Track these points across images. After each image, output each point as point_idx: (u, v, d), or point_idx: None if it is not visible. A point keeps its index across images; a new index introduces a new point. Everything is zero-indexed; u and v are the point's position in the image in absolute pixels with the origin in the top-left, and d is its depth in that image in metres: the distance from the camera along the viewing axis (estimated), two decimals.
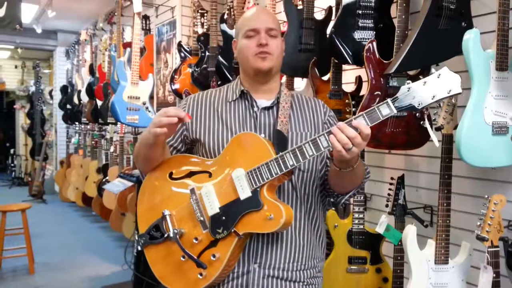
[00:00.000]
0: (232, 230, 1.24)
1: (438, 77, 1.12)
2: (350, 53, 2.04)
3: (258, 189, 1.23)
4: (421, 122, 1.85)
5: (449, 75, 1.11)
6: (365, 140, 1.14)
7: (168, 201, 1.36)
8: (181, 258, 1.31)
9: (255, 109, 1.39)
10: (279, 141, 1.30)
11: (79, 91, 6.13)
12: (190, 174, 1.35)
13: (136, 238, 1.39)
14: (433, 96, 1.12)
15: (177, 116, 1.24)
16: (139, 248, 1.38)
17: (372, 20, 2.04)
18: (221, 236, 1.25)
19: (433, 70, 1.13)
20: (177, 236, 1.30)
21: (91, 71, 5.69)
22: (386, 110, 1.13)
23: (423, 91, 1.12)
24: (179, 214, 1.33)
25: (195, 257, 1.27)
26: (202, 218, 1.29)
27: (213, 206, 1.27)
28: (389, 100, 1.14)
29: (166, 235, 1.32)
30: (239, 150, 1.29)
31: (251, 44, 1.35)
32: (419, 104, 1.13)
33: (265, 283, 1.30)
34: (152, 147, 1.32)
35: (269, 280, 1.31)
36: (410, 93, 1.13)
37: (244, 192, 1.24)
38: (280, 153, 1.21)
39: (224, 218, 1.25)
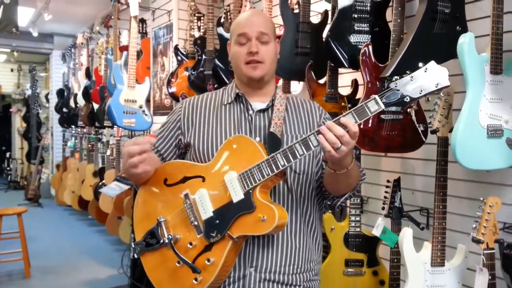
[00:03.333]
0: (226, 233, 1.24)
1: (425, 71, 1.12)
2: (346, 57, 2.05)
3: (250, 191, 1.23)
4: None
5: (436, 69, 1.12)
6: (354, 138, 1.13)
7: (164, 208, 1.36)
8: (176, 264, 1.31)
9: (250, 112, 1.39)
10: (272, 143, 1.30)
11: (76, 95, 6.13)
12: (184, 180, 1.35)
13: (133, 246, 1.39)
14: (421, 91, 1.13)
15: (143, 151, 1.26)
16: (136, 256, 1.38)
17: (367, 24, 2.05)
18: (215, 239, 1.25)
19: (420, 64, 1.14)
20: (172, 242, 1.30)
21: (88, 75, 5.69)
22: (374, 106, 1.14)
23: (411, 85, 1.13)
24: (174, 220, 1.33)
25: (189, 262, 1.27)
26: (196, 223, 1.30)
27: (206, 210, 1.27)
28: (376, 96, 1.14)
29: (161, 242, 1.32)
30: (232, 153, 1.30)
31: (242, 52, 1.35)
32: (407, 99, 1.13)
33: (261, 287, 1.30)
34: (138, 179, 1.37)
35: (265, 284, 1.31)
36: (397, 88, 1.13)
37: (237, 195, 1.24)
38: (271, 154, 1.22)
39: (217, 221, 1.25)
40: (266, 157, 1.22)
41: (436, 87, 1.12)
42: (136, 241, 1.39)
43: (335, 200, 1.40)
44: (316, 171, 1.40)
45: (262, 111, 1.40)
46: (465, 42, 1.59)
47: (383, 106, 1.14)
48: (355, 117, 1.14)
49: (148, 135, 1.31)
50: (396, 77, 1.15)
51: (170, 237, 1.30)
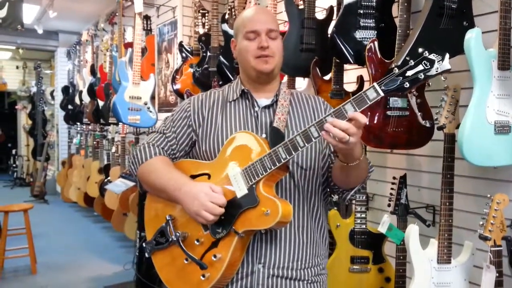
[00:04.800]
0: (231, 229, 1.24)
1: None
2: (352, 53, 2.04)
3: (254, 185, 1.23)
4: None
5: (436, 53, 1.11)
6: (360, 128, 1.13)
7: (172, 206, 1.37)
8: (185, 261, 1.32)
9: (256, 108, 1.39)
10: (276, 138, 1.30)
11: (81, 92, 6.14)
12: (192, 178, 1.35)
13: (144, 245, 1.40)
14: (421, 75, 1.12)
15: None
16: (147, 255, 1.39)
17: (373, 20, 2.04)
18: (221, 235, 1.26)
19: (420, 50, 1.12)
20: (179, 239, 1.31)
21: (93, 72, 5.70)
22: (373, 94, 1.13)
23: (411, 71, 1.12)
24: (182, 218, 1.34)
25: (196, 258, 1.28)
26: None
27: None
28: (375, 84, 1.14)
29: (170, 240, 1.33)
30: (235, 149, 1.30)
31: (252, 47, 1.34)
32: (406, 84, 1.13)
33: (269, 283, 1.31)
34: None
35: (273, 279, 1.31)
36: (397, 74, 1.13)
37: (241, 190, 1.24)
38: (273, 148, 1.22)
39: (223, 217, 1.25)
40: (268, 151, 1.23)
41: (436, 71, 1.11)
42: (147, 240, 1.40)
43: (344, 193, 1.40)
44: (322, 166, 1.40)
45: (268, 107, 1.40)
46: (472, 37, 1.58)
47: (382, 93, 1.13)
48: (354, 106, 1.14)
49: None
50: (396, 63, 1.14)
51: (178, 234, 1.31)
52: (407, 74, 1.12)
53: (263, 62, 1.34)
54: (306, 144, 1.18)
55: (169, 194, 1.32)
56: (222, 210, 1.23)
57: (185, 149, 1.44)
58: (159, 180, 1.34)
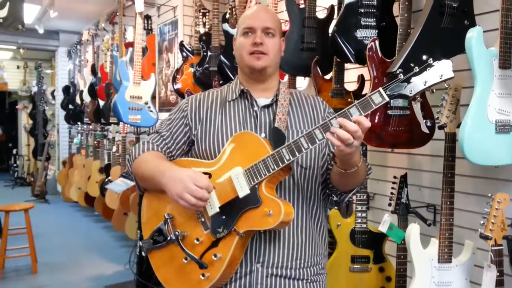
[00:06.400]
0: (233, 229, 1.24)
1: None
2: (353, 52, 2.03)
3: (256, 186, 1.23)
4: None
5: (440, 61, 1.12)
6: (364, 132, 1.13)
7: (171, 205, 1.36)
8: (184, 260, 1.31)
9: (255, 108, 1.39)
10: (277, 138, 1.30)
11: (81, 91, 6.15)
12: None
13: (140, 244, 1.39)
14: (425, 82, 1.13)
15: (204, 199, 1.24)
16: (144, 254, 1.39)
17: (374, 19, 2.04)
18: (221, 235, 1.26)
19: (424, 57, 1.14)
20: (179, 238, 1.30)
21: (93, 71, 5.70)
22: (378, 98, 1.14)
23: (415, 77, 1.13)
24: (181, 217, 1.34)
25: (196, 257, 1.27)
26: (202, 219, 1.30)
27: (213, 206, 1.28)
28: (380, 88, 1.15)
29: (168, 239, 1.32)
30: (237, 149, 1.30)
31: (247, 43, 1.36)
32: (411, 91, 1.14)
33: (268, 282, 1.30)
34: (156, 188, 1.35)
35: (272, 279, 1.31)
36: (402, 80, 1.14)
37: (243, 190, 1.24)
38: (277, 149, 1.22)
39: (224, 217, 1.25)
40: (271, 152, 1.22)
41: (440, 78, 1.12)
42: (144, 239, 1.39)
43: (342, 195, 1.40)
44: (322, 165, 1.40)
45: (267, 106, 1.40)
46: (473, 36, 1.58)
47: (387, 98, 1.14)
48: (359, 110, 1.14)
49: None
50: (400, 69, 1.15)
51: (177, 233, 1.31)
52: (411, 81, 1.13)
53: (255, 58, 1.35)
54: (310, 146, 1.19)
55: (155, 181, 1.32)
56: (206, 194, 1.22)
57: (182, 147, 1.44)
58: (148, 169, 1.35)
